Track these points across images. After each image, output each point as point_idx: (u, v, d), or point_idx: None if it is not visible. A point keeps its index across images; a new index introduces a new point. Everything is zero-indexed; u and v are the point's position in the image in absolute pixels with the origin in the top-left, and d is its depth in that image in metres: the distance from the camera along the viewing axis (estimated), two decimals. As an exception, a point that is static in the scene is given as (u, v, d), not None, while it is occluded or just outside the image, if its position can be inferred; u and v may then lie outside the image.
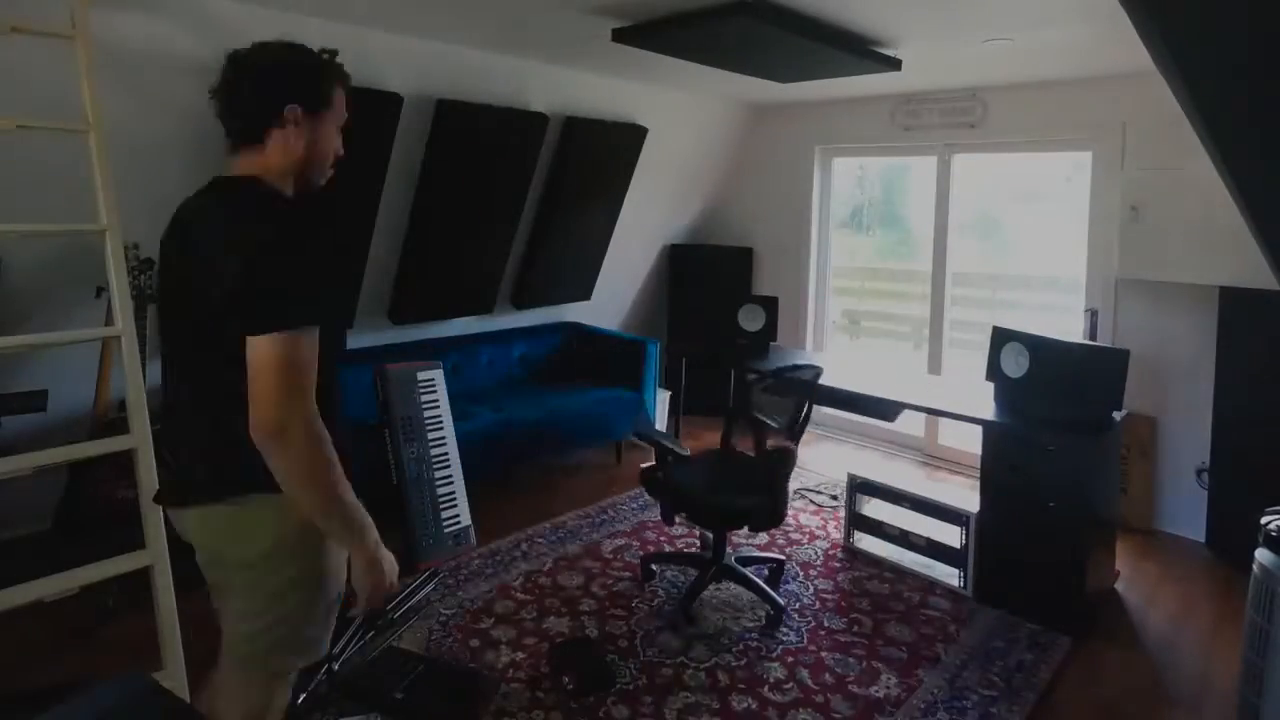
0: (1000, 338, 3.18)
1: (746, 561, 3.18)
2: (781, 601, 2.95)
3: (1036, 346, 3.04)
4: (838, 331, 5.35)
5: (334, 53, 1.59)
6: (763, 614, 2.91)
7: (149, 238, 2.98)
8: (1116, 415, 2.96)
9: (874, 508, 3.43)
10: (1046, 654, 2.70)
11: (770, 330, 4.06)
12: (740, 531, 3.41)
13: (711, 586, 3.05)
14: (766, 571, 3.19)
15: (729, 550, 3.09)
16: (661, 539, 3.51)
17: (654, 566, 3.19)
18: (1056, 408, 2.94)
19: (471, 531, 3.34)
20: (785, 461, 2.89)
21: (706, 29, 2.83)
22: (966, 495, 3.25)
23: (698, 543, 3.45)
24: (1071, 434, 2.82)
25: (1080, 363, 2.96)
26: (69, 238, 2.86)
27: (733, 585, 3.07)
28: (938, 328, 4.57)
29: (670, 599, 2.97)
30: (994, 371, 3.18)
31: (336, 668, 2.36)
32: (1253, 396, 3.32)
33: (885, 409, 3.34)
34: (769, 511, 2.84)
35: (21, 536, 3.11)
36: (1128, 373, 2.91)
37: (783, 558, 3.30)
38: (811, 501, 4.00)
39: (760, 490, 2.86)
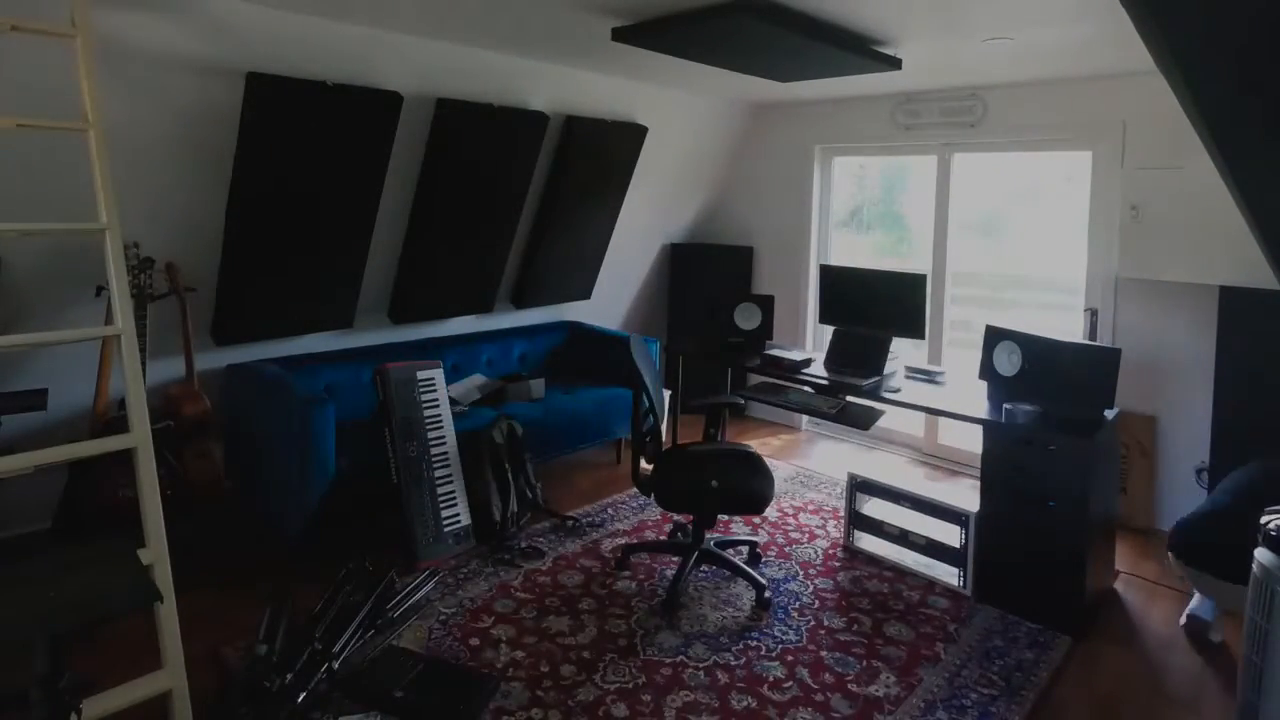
0: (993, 336, 3.18)
1: (724, 546, 3.28)
2: (763, 580, 3.04)
3: (1029, 345, 3.05)
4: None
5: None
6: (749, 601, 2.98)
7: (149, 237, 3.00)
8: (1109, 414, 2.96)
9: (874, 507, 3.43)
10: (1046, 653, 2.70)
11: (766, 329, 4.06)
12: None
13: (701, 578, 3.09)
14: (745, 554, 3.35)
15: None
16: (661, 538, 3.52)
17: (633, 557, 3.26)
18: (1049, 406, 2.94)
19: (471, 530, 3.35)
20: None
21: (707, 28, 2.83)
22: (966, 495, 3.25)
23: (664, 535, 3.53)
24: (1063, 432, 2.82)
25: (1072, 361, 2.96)
26: (69, 237, 2.86)
27: (724, 582, 3.09)
28: (937, 327, 4.57)
29: (657, 594, 2.98)
30: (987, 370, 3.19)
31: (336, 667, 2.37)
32: (1253, 396, 3.32)
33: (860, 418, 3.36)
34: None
35: (21, 536, 3.12)
36: (1128, 372, 2.91)
37: (757, 539, 3.39)
38: (811, 500, 4.00)
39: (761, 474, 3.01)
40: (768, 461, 3.14)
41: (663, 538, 3.52)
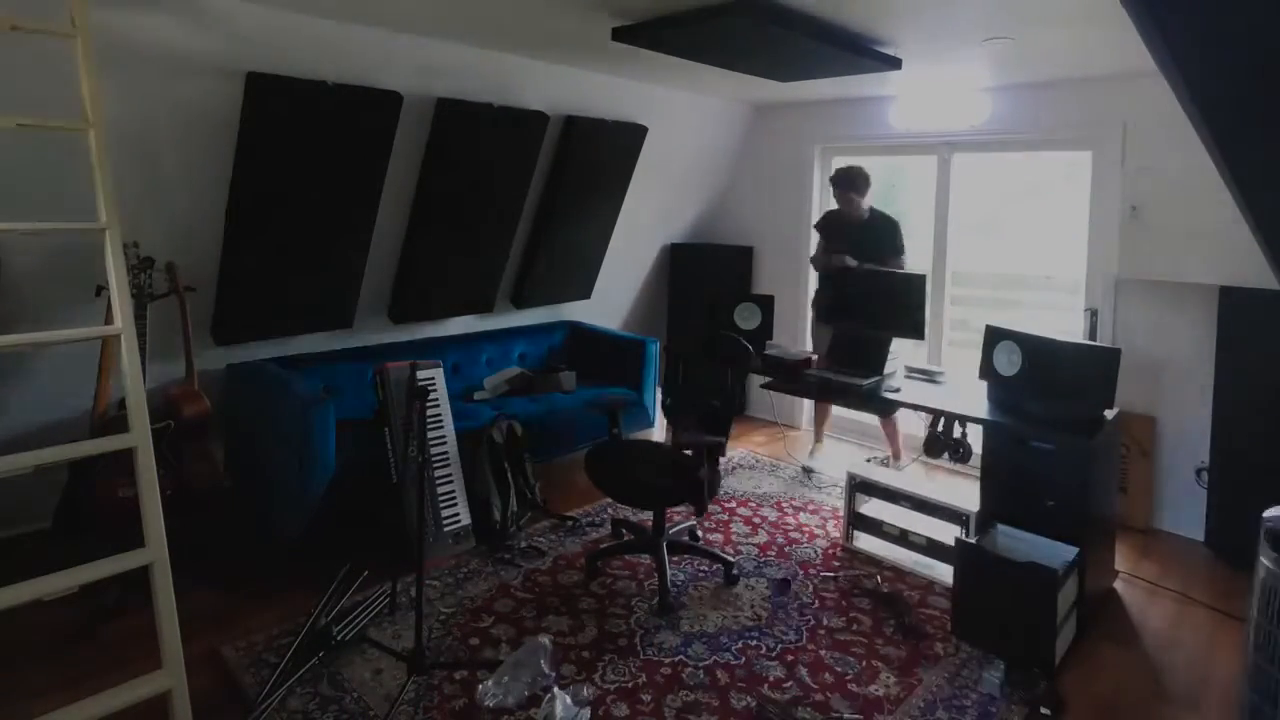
0: (993, 336, 3.18)
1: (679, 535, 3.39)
2: (731, 558, 3.21)
3: (1029, 345, 3.05)
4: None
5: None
6: (749, 601, 3.01)
7: (149, 237, 3.00)
8: (1109, 414, 2.96)
9: (874, 507, 3.43)
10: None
11: (767, 329, 4.06)
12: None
13: (701, 578, 3.12)
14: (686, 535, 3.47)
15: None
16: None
17: (598, 563, 3.21)
18: (1049, 406, 2.94)
19: (471, 530, 3.34)
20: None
21: (706, 28, 2.83)
22: (966, 495, 3.25)
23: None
24: (1064, 432, 2.82)
25: (1072, 361, 2.96)
26: (69, 237, 2.85)
27: (724, 581, 3.09)
28: (937, 327, 4.57)
29: (657, 593, 2.98)
30: (987, 370, 3.19)
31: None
32: (1253, 396, 3.32)
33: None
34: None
35: (21, 535, 3.12)
36: (1128, 372, 2.90)
37: (692, 522, 3.51)
38: (811, 500, 4.00)
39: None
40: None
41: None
